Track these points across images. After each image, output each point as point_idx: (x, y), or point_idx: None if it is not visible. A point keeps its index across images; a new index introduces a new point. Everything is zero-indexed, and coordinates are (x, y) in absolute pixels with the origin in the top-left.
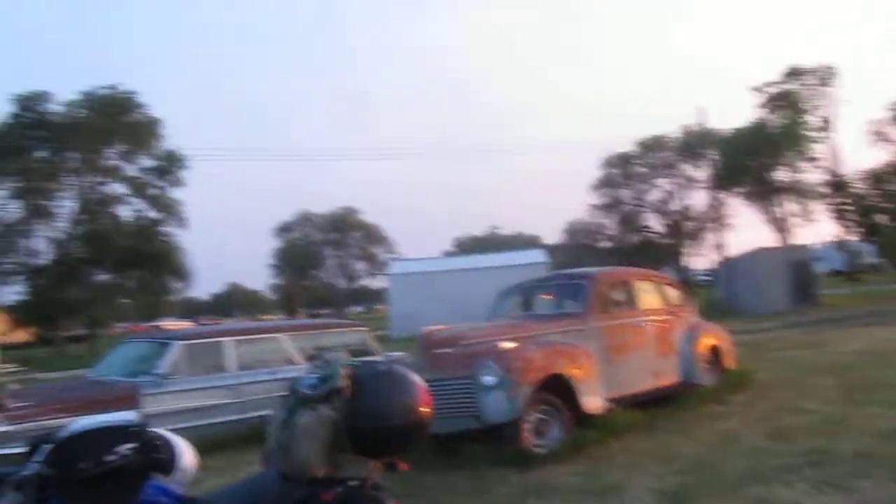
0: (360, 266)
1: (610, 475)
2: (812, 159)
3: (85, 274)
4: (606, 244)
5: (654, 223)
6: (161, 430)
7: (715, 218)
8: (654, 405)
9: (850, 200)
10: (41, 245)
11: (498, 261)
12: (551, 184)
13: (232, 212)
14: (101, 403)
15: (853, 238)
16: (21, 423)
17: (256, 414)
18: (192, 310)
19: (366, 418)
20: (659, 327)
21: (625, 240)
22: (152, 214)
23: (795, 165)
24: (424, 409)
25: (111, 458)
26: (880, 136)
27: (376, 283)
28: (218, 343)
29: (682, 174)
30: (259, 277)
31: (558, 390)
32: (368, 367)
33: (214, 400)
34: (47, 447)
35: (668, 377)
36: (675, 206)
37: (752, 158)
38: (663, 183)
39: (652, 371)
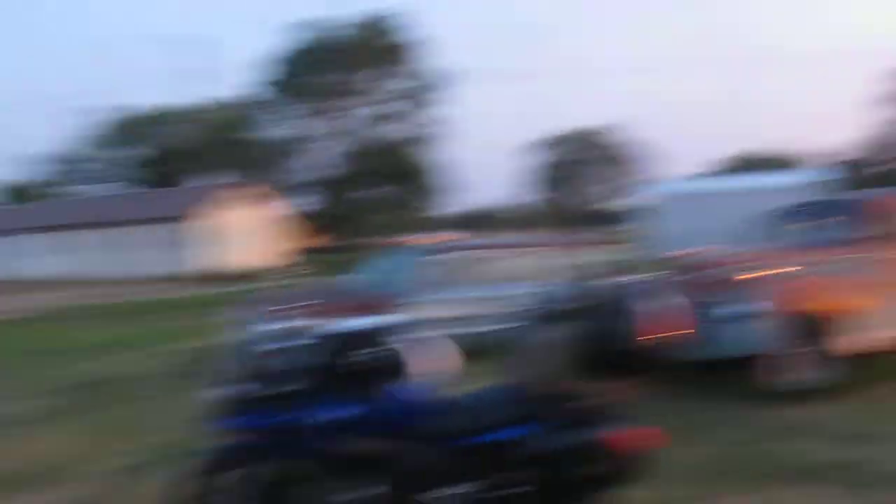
0: (611, 186)
1: (878, 421)
2: None
3: (367, 186)
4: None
5: None
6: (428, 333)
7: None
8: None
9: None
10: (334, 160)
11: (776, 181)
12: (827, 98)
13: (487, 131)
14: (365, 308)
15: None
16: (293, 322)
17: (511, 326)
18: (461, 223)
19: (607, 338)
20: None
21: None
22: (423, 131)
23: None
24: (664, 332)
25: (370, 356)
26: None
27: (631, 202)
28: (475, 256)
29: None
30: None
31: (823, 325)
32: (615, 287)
33: (472, 310)
34: (316, 343)
35: None
36: None
37: None
38: None
39: None
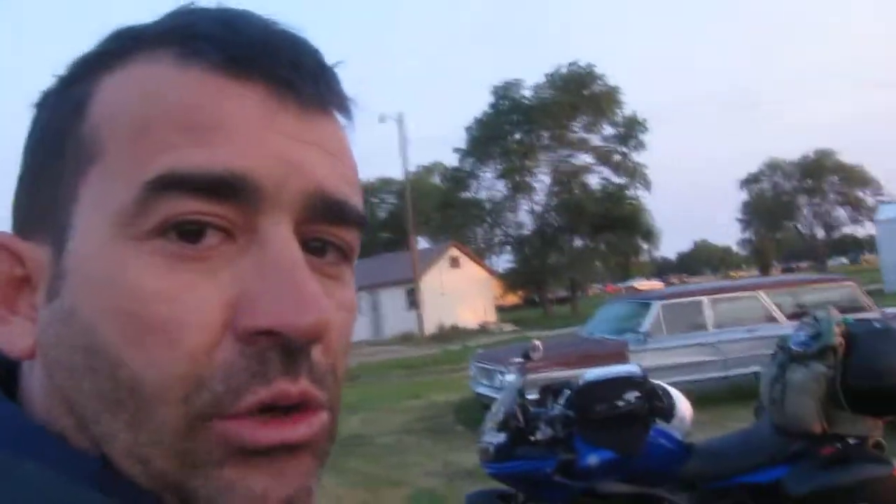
0: (840, 213)
1: None
2: None
3: (562, 241)
4: None
5: None
6: (660, 382)
7: None
8: None
9: None
10: (524, 217)
11: None
12: None
13: (694, 168)
14: (596, 358)
15: None
16: (535, 374)
17: (736, 371)
18: (661, 269)
19: (862, 377)
20: None
21: None
22: (618, 180)
23: None
24: None
25: (621, 403)
26: None
27: (862, 230)
28: (696, 301)
29: None
30: (726, 233)
31: None
32: (863, 324)
33: (695, 357)
34: (567, 393)
35: None
36: None
37: None
38: None
39: None
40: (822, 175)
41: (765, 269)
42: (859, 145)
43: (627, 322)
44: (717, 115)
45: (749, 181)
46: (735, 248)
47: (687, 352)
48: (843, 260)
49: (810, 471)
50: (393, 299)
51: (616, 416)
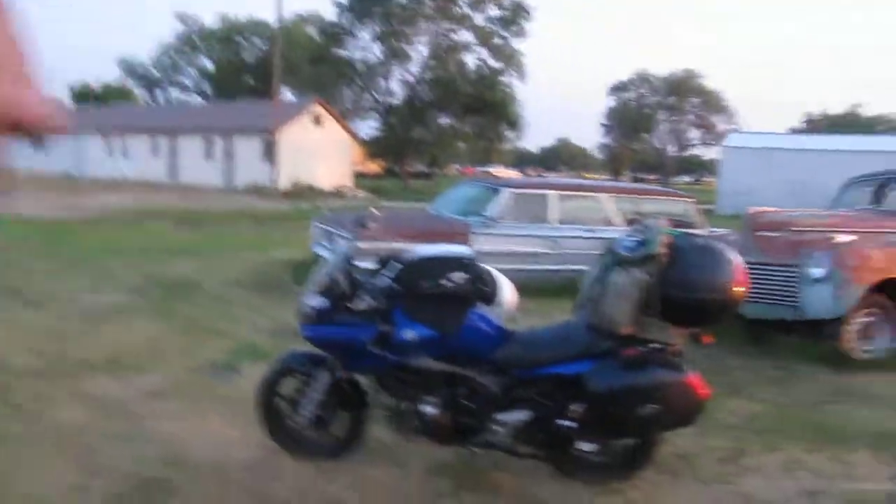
0: (694, 134)
1: None
2: None
3: (430, 116)
4: None
5: None
6: (489, 267)
7: None
8: None
9: None
10: (396, 86)
11: (853, 144)
12: None
13: (568, 67)
14: (437, 235)
15: None
16: (370, 243)
17: (570, 267)
18: (521, 160)
19: (678, 287)
20: None
21: None
22: (494, 64)
23: None
24: (738, 289)
25: (447, 282)
26: None
27: (710, 153)
28: (544, 195)
29: None
30: (588, 136)
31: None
32: (688, 238)
33: (534, 248)
34: (397, 265)
35: None
36: None
37: None
38: None
39: None
40: (684, 95)
41: (616, 176)
42: (724, 73)
43: (475, 205)
44: (597, 15)
45: (618, 88)
46: (594, 151)
47: (527, 242)
48: (688, 178)
49: (611, 369)
50: (248, 149)
51: (440, 295)
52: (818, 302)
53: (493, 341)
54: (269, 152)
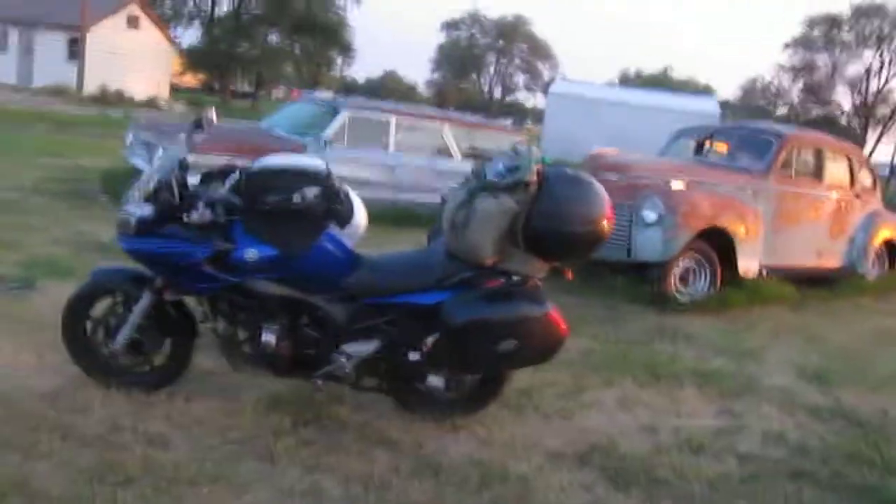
0: (520, 79)
1: (750, 340)
2: None
3: (258, 32)
4: (783, 111)
5: (843, 100)
6: (345, 185)
7: None
8: (807, 284)
9: None
10: None
11: (669, 102)
12: (737, 36)
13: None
14: (271, 152)
15: None
16: (201, 155)
17: (406, 196)
18: (347, 89)
19: (547, 219)
20: (838, 206)
21: (805, 111)
22: None
23: None
24: (607, 223)
25: (297, 198)
26: None
27: (533, 100)
28: (384, 120)
29: (894, 51)
30: (416, 71)
31: (717, 244)
32: (558, 169)
33: (370, 174)
34: (236, 177)
35: (832, 260)
36: (874, 85)
37: None
38: (868, 56)
39: (817, 250)
40: (513, 39)
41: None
42: (551, 21)
43: (311, 125)
44: None
45: (450, 26)
46: (421, 87)
47: (364, 168)
48: (509, 122)
49: (470, 300)
50: (51, 45)
51: (288, 211)
52: (649, 245)
53: (343, 266)
54: (75, 51)
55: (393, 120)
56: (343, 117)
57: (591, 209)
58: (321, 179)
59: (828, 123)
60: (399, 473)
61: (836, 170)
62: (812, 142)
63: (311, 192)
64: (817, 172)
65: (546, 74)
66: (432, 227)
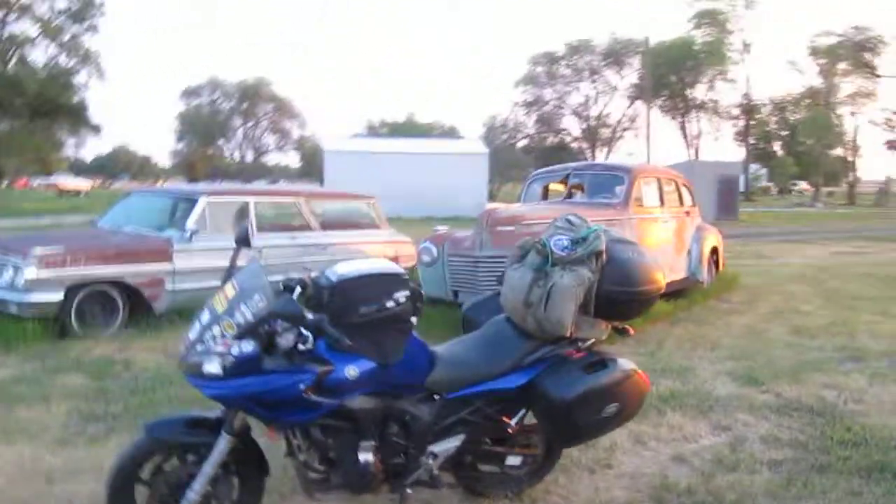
0: (269, 140)
1: (669, 358)
2: (730, 80)
3: None
4: (524, 142)
5: (572, 126)
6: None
7: (630, 127)
8: (663, 298)
9: (754, 124)
10: None
11: (441, 147)
12: (473, 78)
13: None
14: (139, 255)
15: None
16: (60, 269)
17: (277, 278)
18: (77, 169)
19: (617, 282)
20: (677, 225)
21: (541, 140)
22: (67, 62)
23: (713, 84)
24: (662, 277)
25: (391, 304)
26: (793, 66)
27: (286, 159)
28: (243, 202)
29: (605, 80)
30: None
31: None
32: (609, 232)
33: (238, 260)
34: (306, 290)
35: (680, 273)
36: (594, 111)
37: (675, 72)
38: (585, 87)
39: (670, 265)
40: (257, 101)
41: (193, 183)
42: (292, 80)
43: (164, 217)
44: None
45: (190, 93)
46: (164, 158)
47: (230, 254)
48: (265, 183)
49: (570, 375)
50: None
51: (380, 319)
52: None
53: (426, 365)
54: None
55: (252, 201)
56: (202, 204)
57: (651, 267)
58: (405, 280)
59: (561, 149)
60: None
61: (670, 194)
62: (651, 172)
63: (401, 295)
64: (658, 198)
65: (295, 133)
66: (465, 310)
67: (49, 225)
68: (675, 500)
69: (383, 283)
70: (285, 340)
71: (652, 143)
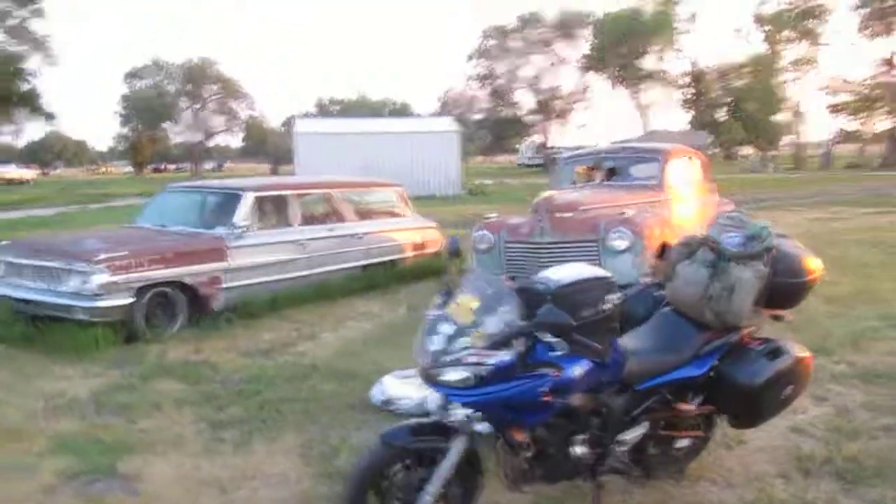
0: (217, 121)
1: None
2: (677, 50)
3: None
4: (478, 116)
5: (525, 99)
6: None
7: (581, 99)
8: None
9: (700, 92)
10: None
11: (411, 126)
12: (423, 54)
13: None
14: (196, 255)
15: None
16: (125, 273)
17: (318, 270)
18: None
19: (788, 275)
20: (706, 202)
21: (496, 113)
22: (13, 48)
23: (662, 54)
24: (821, 266)
25: (606, 306)
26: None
27: (235, 140)
28: (284, 196)
29: (555, 53)
30: (87, 128)
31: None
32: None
33: (285, 254)
34: (516, 300)
35: None
36: (546, 84)
37: (623, 43)
38: (537, 60)
39: None
40: (203, 82)
41: (139, 167)
42: (239, 61)
43: (210, 215)
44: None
45: (133, 75)
46: (108, 142)
47: (277, 249)
48: (210, 165)
49: (759, 361)
50: None
51: (596, 321)
52: (622, 270)
53: (623, 360)
54: None
55: (292, 195)
56: (249, 200)
57: (811, 258)
58: (614, 283)
59: (515, 122)
60: None
61: (696, 172)
62: (681, 153)
63: (613, 297)
64: (689, 177)
65: (243, 114)
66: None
67: (44, 222)
68: (819, 470)
69: (598, 287)
70: (522, 347)
71: (602, 113)
